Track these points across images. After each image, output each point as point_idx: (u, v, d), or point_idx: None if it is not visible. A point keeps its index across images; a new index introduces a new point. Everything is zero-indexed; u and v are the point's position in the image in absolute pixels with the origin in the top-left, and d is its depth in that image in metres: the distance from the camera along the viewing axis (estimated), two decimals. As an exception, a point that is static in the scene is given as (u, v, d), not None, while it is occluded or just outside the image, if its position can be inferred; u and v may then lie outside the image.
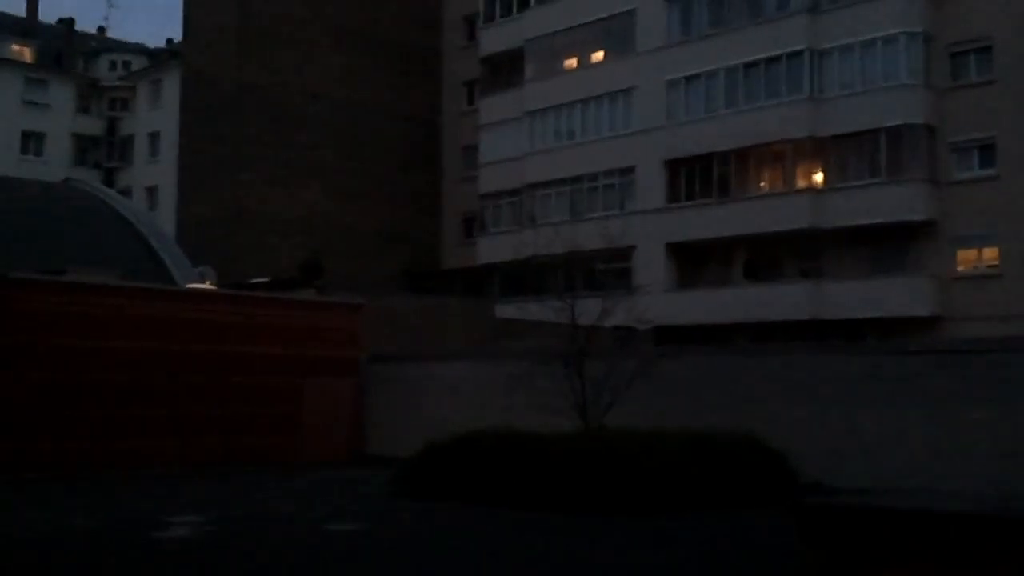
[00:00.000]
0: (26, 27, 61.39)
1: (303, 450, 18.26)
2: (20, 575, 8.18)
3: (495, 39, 41.88)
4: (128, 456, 16.19)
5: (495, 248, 39.01)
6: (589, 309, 13.91)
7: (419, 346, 22.30)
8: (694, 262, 35.04)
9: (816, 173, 32.35)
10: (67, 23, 64.24)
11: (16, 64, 57.52)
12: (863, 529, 7.02)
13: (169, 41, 61.19)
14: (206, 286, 21.40)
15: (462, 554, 9.16)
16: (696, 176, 34.49)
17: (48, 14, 65.53)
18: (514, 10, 41.11)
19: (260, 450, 17.64)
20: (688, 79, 34.98)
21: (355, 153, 41.94)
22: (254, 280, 26.83)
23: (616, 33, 37.55)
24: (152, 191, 55.06)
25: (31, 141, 56.84)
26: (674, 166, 35.05)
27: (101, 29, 66.75)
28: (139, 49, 63.16)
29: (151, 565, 8.50)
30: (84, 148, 58.88)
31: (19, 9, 64.18)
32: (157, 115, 55.86)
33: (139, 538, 9.68)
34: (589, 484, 11.19)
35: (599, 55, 38.59)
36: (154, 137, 56.47)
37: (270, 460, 17.38)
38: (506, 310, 29.80)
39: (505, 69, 41.37)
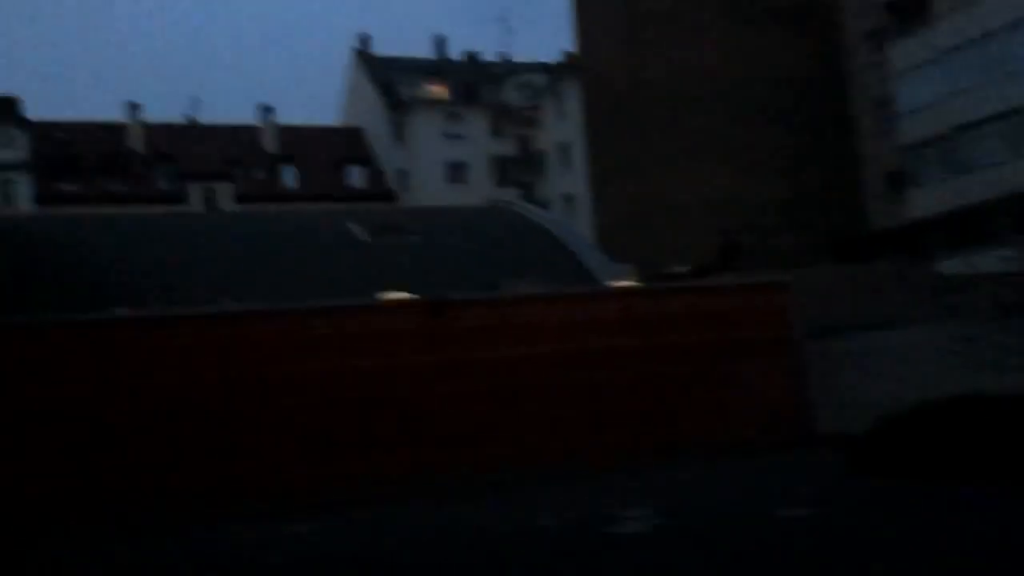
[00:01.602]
0: (438, 67, 67.23)
1: (740, 436, 17.73)
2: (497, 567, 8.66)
3: (899, -22, 38.71)
4: (557, 454, 16.63)
5: (927, 201, 36.00)
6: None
7: (854, 316, 20.99)
8: None
9: None
10: (472, 56, 69.45)
11: (434, 103, 63.26)
12: None
13: (565, 53, 63.83)
14: (629, 283, 21.69)
15: (940, 546, 8.17)
16: None
17: (452, 50, 70.86)
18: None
19: (696, 439, 17.33)
20: None
21: (757, 126, 40.62)
22: (674, 271, 26.88)
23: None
24: (568, 199, 57.62)
25: (454, 170, 62.11)
26: None
27: (502, 55, 71.23)
28: (539, 67, 66.52)
29: (617, 558, 8.62)
30: (502, 169, 63.19)
31: (426, 50, 70.25)
32: (563, 126, 58.47)
33: (596, 534, 9.81)
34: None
35: (1022, -30, 34.27)
36: (563, 147, 59.14)
37: (707, 449, 17.04)
38: (947, 266, 27.27)
39: (912, 10, 38.02)
